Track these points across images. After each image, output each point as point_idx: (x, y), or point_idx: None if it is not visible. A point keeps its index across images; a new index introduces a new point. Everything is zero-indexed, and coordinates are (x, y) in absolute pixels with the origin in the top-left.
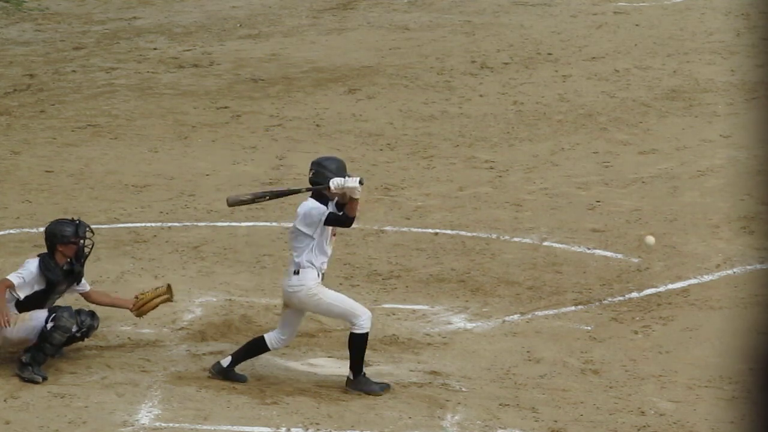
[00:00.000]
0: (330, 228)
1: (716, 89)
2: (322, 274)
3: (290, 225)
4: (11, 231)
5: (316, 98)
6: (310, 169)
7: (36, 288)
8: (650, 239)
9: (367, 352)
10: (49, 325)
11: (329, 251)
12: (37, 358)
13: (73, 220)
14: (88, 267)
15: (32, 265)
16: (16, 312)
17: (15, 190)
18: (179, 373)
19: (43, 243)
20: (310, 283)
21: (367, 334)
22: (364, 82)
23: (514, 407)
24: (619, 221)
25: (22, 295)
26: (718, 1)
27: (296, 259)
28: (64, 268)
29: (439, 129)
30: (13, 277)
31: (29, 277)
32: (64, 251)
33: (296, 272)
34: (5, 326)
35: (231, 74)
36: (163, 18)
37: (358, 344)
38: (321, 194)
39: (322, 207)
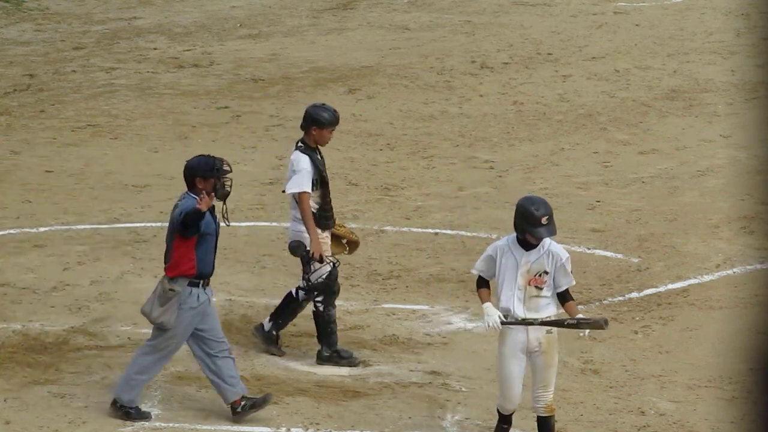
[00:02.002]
0: (512, 269)
1: (716, 89)
2: (505, 316)
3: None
4: (11, 231)
5: (316, 98)
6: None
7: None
8: None
9: (367, 352)
10: (320, 304)
11: (506, 293)
12: (331, 341)
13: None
14: (87, 267)
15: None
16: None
17: (15, 190)
18: (179, 373)
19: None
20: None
21: (501, 414)
22: (364, 82)
23: None
24: (619, 221)
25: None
26: (718, 1)
27: None
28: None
29: (439, 129)
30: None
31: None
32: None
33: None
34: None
35: (231, 74)
36: (163, 18)
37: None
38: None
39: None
